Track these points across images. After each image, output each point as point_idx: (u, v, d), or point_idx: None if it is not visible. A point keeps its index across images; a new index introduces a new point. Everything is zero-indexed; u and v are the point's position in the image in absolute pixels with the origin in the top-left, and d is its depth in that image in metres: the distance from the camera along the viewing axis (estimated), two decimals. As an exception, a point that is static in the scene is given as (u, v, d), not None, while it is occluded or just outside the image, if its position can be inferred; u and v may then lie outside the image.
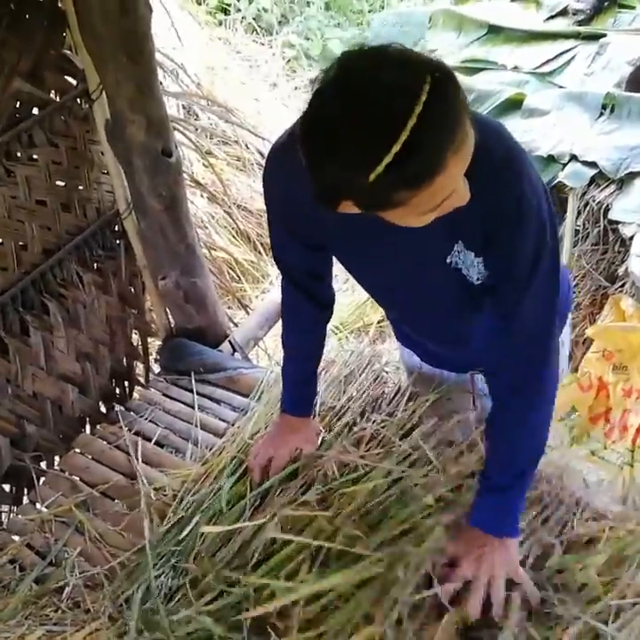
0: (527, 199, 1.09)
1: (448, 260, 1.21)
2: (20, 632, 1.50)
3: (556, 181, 3.03)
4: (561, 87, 3.56)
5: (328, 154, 0.88)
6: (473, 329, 1.41)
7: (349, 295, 3.75)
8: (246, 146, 4.25)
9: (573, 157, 3.05)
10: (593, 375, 2.43)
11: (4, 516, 2.01)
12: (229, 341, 2.38)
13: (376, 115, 0.84)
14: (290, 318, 1.57)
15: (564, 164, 3.05)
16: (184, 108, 4.11)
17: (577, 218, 3.05)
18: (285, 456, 1.60)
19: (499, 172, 1.07)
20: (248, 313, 3.10)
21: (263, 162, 4.13)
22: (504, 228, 1.12)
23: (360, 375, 1.91)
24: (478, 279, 1.23)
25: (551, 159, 3.09)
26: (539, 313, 1.20)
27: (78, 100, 2.00)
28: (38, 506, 1.85)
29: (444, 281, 1.25)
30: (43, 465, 2.05)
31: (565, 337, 1.63)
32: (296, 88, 5.34)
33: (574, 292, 3.05)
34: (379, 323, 3.58)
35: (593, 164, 3.01)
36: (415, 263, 1.24)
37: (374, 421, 1.69)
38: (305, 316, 1.52)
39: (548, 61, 3.72)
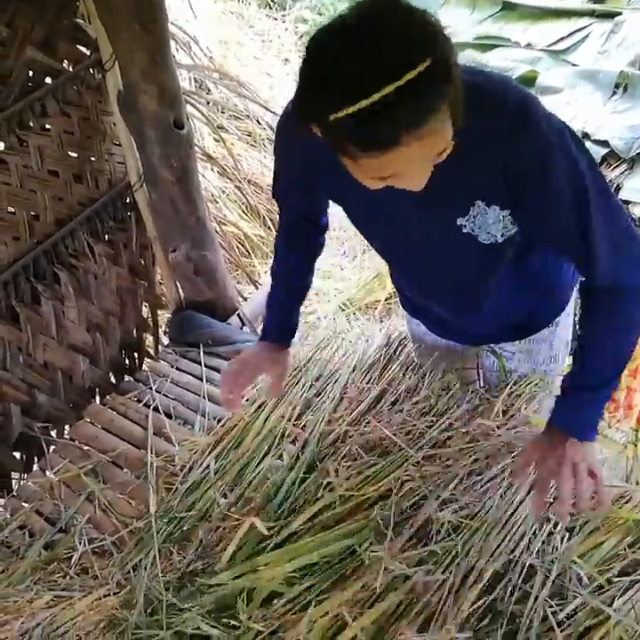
0: (548, 143, 1.07)
1: (459, 223, 1.20)
2: (28, 596, 1.53)
3: (567, 160, 3.00)
4: (574, 65, 3.52)
5: (312, 77, 0.91)
6: (489, 290, 1.38)
7: (357, 272, 3.75)
8: (258, 121, 4.23)
9: (585, 136, 3.03)
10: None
11: (14, 482, 2.03)
12: (238, 315, 2.39)
13: (363, 67, 0.86)
14: (283, 241, 1.55)
15: (577, 143, 3.03)
16: (196, 81, 4.09)
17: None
18: (250, 373, 1.55)
19: (513, 122, 1.06)
20: (257, 288, 3.11)
21: (273, 137, 4.15)
22: (531, 178, 1.10)
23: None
24: (502, 235, 1.21)
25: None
26: (610, 243, 1.15)
27: (91, 70, 2.00)
28: (48, 473, 1.87)
29: (454, 242, 1.24)
30: (53, 434, 2.08)
31: (570, 318, 1.62)
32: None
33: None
34: (386, 300, 3.58)
35: (605, 143, 3.00)
36: (426, 223, 1.24)
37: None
38: (298, 237, 1.53)
39: (561, 39, 3.68)
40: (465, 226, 1.20)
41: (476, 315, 1.45)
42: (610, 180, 3.00)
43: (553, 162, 1.09)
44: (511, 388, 1.67)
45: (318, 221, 1.52)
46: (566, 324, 1.60)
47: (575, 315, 1.64)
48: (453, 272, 1.35)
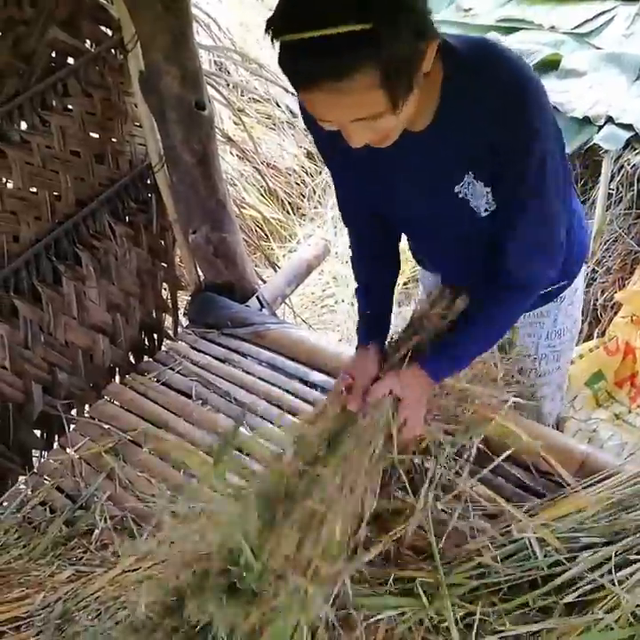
0: (534, 128, 1.10)
1: (456, 190, 1.22)
2: (49, 571, 1.56)
3: (590, 143, 2.97)
4: (598, 48, 3.46)
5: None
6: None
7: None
8: (277, 104, 4.22)
9: (609, 119, 2.99)
10: (620, 339, 2.42)
11: (34, 460, 2.06)
12: (257, 297, 2.39)
13: (313, 4, 0.90)
14: (356, 248, 1.55)
15: (600, 127, 2.98)
16: (216, 63, 4.08)
17: (610, 181, 3.00)
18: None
19: (505, 101, 1.08)
20: (276, 271, 3.11)
21: (293, 120, 4.14)
22: (509, 159, 1.14)
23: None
24: (486, 210, 1.25)
25: (587, 121, 3.02)
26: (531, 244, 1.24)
27: (113, 51, 2.00)
28: (68, 451, 1.90)
29: (452, 211, 1.26)
30: (73, 412, 2.10)
31: (579, 295, 1.63)
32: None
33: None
34: (405, 285, 3.57)
35: (629, 127, 2.95)
36: (426, 191, 1.26)
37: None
38: (369, 242, 1.51)
39: (585, 22, 3.62)
40: (460, 192, 1.23)
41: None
42: (633, 165, 2.97)
43: (532, 148, 1.12)
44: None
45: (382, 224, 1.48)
46: (574, 300, 1.62)
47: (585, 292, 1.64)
48: (452, 240, 1.39)
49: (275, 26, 0.93)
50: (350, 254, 1.56)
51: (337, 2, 0.89)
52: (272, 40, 0.93)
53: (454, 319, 1.42)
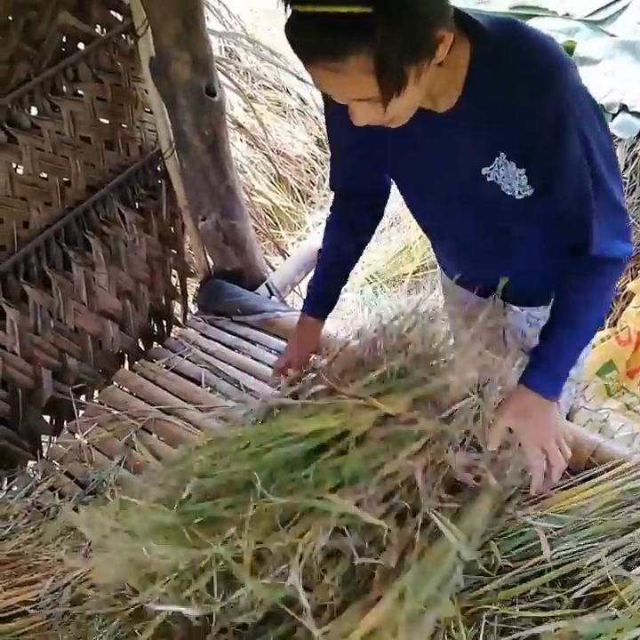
0: (567, 114, 1.08)
1: (483, 172, 1.20)
2: (58, 556, 1.56)
3: (605, 132, 2.95)
4: (613, 36, 3.43)
5: None
6: (517, 248, 1.39)
7: (385, 245, 3.73)
8: (288, 91, 4.20)
9: (623, 108, 2.96)
10: (632, 329, 2.40)
11: (44, 445, 2.07)
12: (266, 285, 2.39)
13: None
14: (337, 215, 1.56)
15: (614, 115, 2.96)
16: (226, 50, 4.06)
17: (624, 170, 2.97)
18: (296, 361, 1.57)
19: (538, 84, 1.06)
20: (285, 258, 3.11)
21: (304, 107, 4.12)
22: (544, 139, 1.11)
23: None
24: (519, 193, 1.22)
25: (601, 109, 3.00)
26: (606, 222, 1.20)
27: (123, 36, 1.99)
28: (78, 437, 1.90)
29: (483, 195, 1.24)
30: (82, 398, 2.10)
31: None
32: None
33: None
34: (414, 273, 3.56)
35: (643, 115, 2.93)
36: (452, 174, 1.24)
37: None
38: (346, 223, 1.53)
39: (600, 9, 3.58)
40: (489, 175, 1.20)
41: (507, 272, 1.45)
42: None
43: (567, 134, 1.09)
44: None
45: (371, 195, 1.52)
46: None
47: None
48: (482, 226, 1.36)
49: None
50: (327, 216, 1.58)
51: None
52: (286, 6, 0.95)
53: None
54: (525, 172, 1.18)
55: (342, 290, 1.62)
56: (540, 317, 1.62)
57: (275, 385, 1.57)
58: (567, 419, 1.76)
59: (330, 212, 1.58)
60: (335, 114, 1.28)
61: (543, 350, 1.30)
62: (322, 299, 1.60)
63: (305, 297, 1.64)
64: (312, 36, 0.93)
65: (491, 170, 1.19)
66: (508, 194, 1.22)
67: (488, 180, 1.21)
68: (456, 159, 1.21)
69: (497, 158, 1.18)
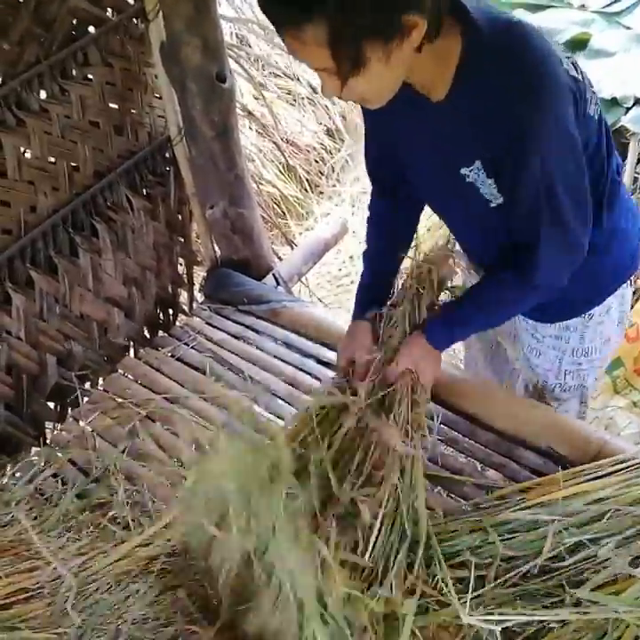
0: (543, 135, 1.09)
1: (462, 172, 1.21)
2: (60, 543, 1.55)
3: (618, 125, 2.91)
4: (628, 28, 3.39)
5: None
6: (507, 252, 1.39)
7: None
8: (298, 79, 4.17)
9: (638, 101, 2.93)
10: (640, 326, 2.40)
11: (48, 432, 2.06)
12: (273, 275, 2.38)
13: None
14: (376, 207, 1.61)
15: (628, 108, 2.93)
16: (237, 36, 4.03)
17: (637, 164, 2.95)
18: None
19: (524, 88, 1.06)
20: (292, 249, 3.09)
21: (314, 96, 4.09)
22: (512, 155, 1.12)
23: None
24: (493, 200, 1.24)
25: (614, 102, 2.96)
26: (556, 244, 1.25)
27: (134, 20, 1.96)
28: (81, 424, 1.89)
29: (462, 192, 1.25)
30: (87, 385, 2.09)
31: (612, 315, 1.55)
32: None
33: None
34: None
35: (657, 109, 2.90)
36: (438, 166, 1.26)
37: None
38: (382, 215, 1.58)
39: (616, 1, 3.55)
40: (468, 176, 1.21)
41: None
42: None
43: (533, 156, 1.11)
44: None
45: (400, 191, 1.52)
46: (605, 320, 1.54)
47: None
48: (473, 224, 1.39)
49: None
50: (367, 214, 1.60)
51: None
52: None
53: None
54: (494, 181, 1.20)
55: (393, 282, 1.63)
56: (546, 336, 1.59)
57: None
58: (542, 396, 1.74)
59: (368, 212, 1.61)
60: None
61: (450, 312, 1.47)
62: (371, 302, 1.59)
63: (355, 300, 1.64)
64: (277, 4, 1.00)
65: (470, 171, 1.20)
66: (486, 197, 1.24)
67: (467, 180, 1.22)
68: (442, 152, 1.23)
69: (476, 161, 1.19)
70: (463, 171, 1.21)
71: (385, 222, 1.58)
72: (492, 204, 1.24)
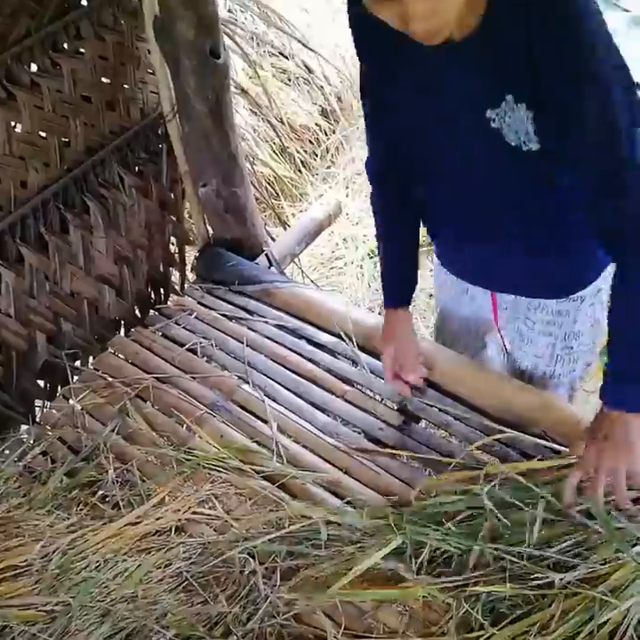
0: (586, 41, 0.99)
1: (488, 115, 1.12)
2: (49, 521, 1.55)
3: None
4: (626, 11, 3.37)
5: None
6: (515, 218, 1.31)
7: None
8: (294, 58, 4.12)
9: (637, 84, 2.91)
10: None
11: (37, 411, 2.05)
12: (266, 255, 2.36)
13: None
14: (378, 198, 1.54)
15: (625, 93, 2.92)
16: (231, 12, 3.97)
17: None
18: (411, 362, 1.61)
19: (551, 10, 0.98)
20: (285, 230, 3.07)
21: (310, 76, 4.05)
22: (560, 82, 1.02)
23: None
24: (525, 143, 1.12)
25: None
26: None
27: (127, -7, 1.94)
28: (71, 402, 1.88)
29: (482, 139, 1.15)
30: (77, 364, 2.08)
31: (601, 297, 1.52)
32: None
33: None
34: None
35: (654, 95, 2.88)
36: (458, 118, 1.17)
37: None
38: (395, 193, 1.48)
39: (616, -18, 3.52)
40: (494, 120, 1.12)
41: (525, 244, 1.37)
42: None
43: (589, 62, 1.00)
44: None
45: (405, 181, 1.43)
46: (594, 301, 1.51)
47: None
48: (492, 197, 1.28)
49: None
50: (372, 208, 1.54)
51: None
52: None
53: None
54: (534, 114, 1.08)
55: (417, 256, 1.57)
56: (536, 321, 1.56)
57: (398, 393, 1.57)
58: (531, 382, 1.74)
59: (371, 205, 1.56)
60: (377, 76, 1.26)
61: (620, 368, 1.23)
62: (401, 288, 1.56)
63: (383, 290, 1.60)
64: None
65: (495, 114, 1.11)
66: (513, 144, 1.13)
67: (492, 125, 1.12)
68: (462, 100, 1.14)
69: (504, 102, 1.09)
70: (489, 113, 1.11)
71: (392, 209, 1.51)
72: (524, 148, 1.12)
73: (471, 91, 1.12)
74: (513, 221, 1.32)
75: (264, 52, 4.04)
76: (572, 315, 1.53)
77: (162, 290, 2.36)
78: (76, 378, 1.98)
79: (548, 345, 1.60)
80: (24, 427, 1.93)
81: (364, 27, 1.17)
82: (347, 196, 3.79)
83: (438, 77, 1.15)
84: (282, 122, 3.86)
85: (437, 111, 1.20)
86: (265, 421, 1.73)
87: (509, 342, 1.71)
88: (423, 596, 1.25)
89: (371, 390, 1.80)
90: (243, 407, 1.79)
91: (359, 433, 1.71)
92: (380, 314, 2.96)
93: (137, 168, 2.13)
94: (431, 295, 2.83)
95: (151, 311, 2.26)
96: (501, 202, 1.29)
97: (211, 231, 2.34)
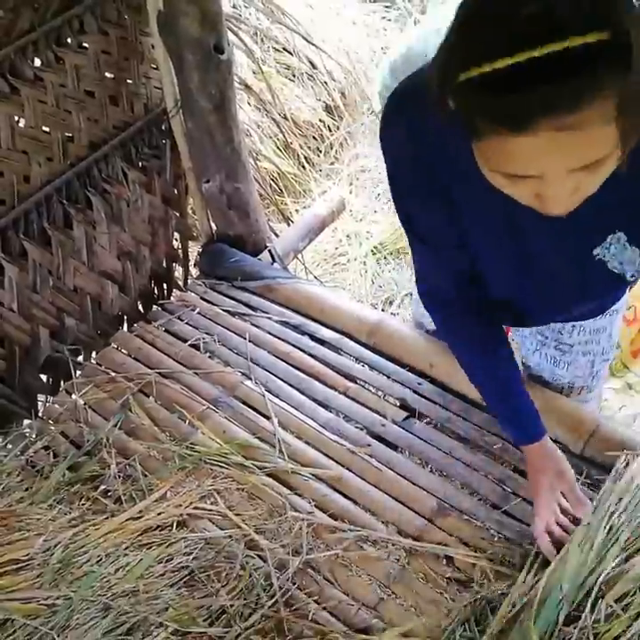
0: None
1: (595, 252, 1.06)
2: (51, 515, 1.55)
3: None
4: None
5: (460, 25, 0.73)
6: (607, 302, 1.37)
7: (390, 216, 3.68)
8: (298, 54, 4.11)
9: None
10: (638, 309, 2.38)
11: (40, 405, 2.05)
12: (269, 251, 2.36)
13: (519, 22, 0.66)
14: (461, 347, 1.36)
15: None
16: (234, 8, 3.96)
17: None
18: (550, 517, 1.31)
19: None
20: (289, 226, 3.07)
21: (314, 72, 4.05)
22: None
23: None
24: (632, 276, 1.11)
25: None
26: None
27: (131, -12, 1.94)
28: (74, 396, 1.88)
29: (584, 272, 1.11)
30: (80, 359, 2.08)
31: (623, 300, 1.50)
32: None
33: None
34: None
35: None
36: (560, 253, 1.09)
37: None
38: (476, 335, 1.32)
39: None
40: (599, 254, 1.08)
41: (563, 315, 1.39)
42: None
43: None
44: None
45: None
46: (619, 308, 1.50)
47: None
48: (569, 296, 1.24)
49: (459, 57, 0.72)
50: (451, 344, 1.39)
51: (562, 6, 0.66)
52: (450, 81, 0.73)
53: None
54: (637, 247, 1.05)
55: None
56: (573, 343, 1.52)
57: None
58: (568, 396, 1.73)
59: (446, 337, 1.41)
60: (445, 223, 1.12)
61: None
62: (526, 418, 1.35)
63: (508, 427, 1.42)
64: (529, 91, 0.67)
65: (600, 248, 1.07)
66: (616, 272, 1.10)
67: (596, 258, 1.08)
68: (568, 240, 1.05)
69: (611, 236, 1.05)
70: (596, 251, 1.06)
71: (483, 339, 1.32)
72: (628, 276, 1.10)
73: (577, 233, 1.03)
74: (582, 308, 1.35)
75: (268, 47, 4.03)
76: (608, 330, 1.51)
77: (165, 285, 2.36)
78: (78, 373, 1.98)
79: (589, 362, 1.56)
80: (27, 421, 1.93)
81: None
82: (350, 192, 3.79)
83: (525, 213, 0.92)
84: (285, 118, 3.85)
85: (534, 249, 1.11)
86: (267, 417, 1.73)
87: (535, 365, 1.64)
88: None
89: (373, 386, 1.81)
90: (245, 403, 1.79)
91: (361, 429, 1.71)
92: (382, 310, 2.97)
93: (140, 163, 2.13)
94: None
95: (154, 307, 2.26)
96: (581, 300, 1.29)
97: (214, 227, 2.34)
